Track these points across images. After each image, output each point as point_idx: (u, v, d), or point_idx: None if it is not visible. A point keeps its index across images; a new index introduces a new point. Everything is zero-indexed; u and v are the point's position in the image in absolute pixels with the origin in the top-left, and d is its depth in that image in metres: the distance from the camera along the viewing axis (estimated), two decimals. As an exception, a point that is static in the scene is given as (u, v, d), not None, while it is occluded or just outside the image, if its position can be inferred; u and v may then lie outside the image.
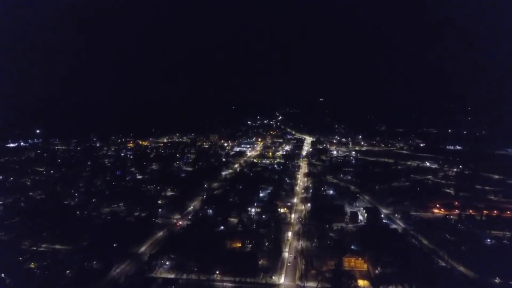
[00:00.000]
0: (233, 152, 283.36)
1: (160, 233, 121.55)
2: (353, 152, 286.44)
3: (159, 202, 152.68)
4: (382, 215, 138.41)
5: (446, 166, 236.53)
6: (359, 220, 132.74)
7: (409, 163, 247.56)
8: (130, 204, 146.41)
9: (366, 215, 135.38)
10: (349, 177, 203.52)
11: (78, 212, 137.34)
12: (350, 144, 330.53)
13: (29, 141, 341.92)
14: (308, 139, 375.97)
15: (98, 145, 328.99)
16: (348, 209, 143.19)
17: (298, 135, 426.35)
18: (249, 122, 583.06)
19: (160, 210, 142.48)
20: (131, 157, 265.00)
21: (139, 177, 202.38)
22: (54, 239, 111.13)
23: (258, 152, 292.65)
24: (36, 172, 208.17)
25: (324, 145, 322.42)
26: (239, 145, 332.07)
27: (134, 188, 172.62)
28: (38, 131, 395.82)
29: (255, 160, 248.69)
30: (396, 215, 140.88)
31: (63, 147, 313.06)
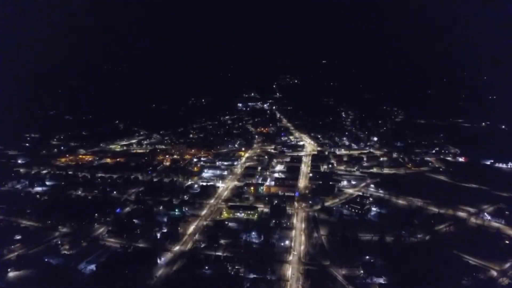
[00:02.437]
0: (196, 188, 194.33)
1: None
2: (372, 185, 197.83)
3: None
4: None
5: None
6: None
7: (461, 213, 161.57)
8: None
9: None
10: (376, 268, 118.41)
11: None
12: (365, 161, 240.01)
13: None
14: (309, 147, 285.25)
15: (20, 162, 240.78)
16: None
17: (297, 134, 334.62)
18: (240, 105, 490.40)
19: None
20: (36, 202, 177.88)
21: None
22: None
23: (236, 182, 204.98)
24: None
25: (330, 164, 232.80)
26: (213, 161, 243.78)
27: None
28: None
29: (223, 214, 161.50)
30: None
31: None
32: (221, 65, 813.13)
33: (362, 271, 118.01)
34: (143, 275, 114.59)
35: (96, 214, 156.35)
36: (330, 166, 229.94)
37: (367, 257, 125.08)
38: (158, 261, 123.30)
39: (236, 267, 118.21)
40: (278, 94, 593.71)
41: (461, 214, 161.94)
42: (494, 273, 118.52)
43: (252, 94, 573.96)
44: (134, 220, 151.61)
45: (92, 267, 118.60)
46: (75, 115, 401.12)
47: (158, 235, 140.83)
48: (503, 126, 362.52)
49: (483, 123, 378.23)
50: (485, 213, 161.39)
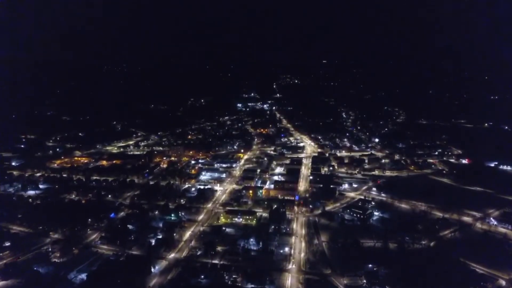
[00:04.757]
0: (193, 191, 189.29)
1: None
2: (374, 189, 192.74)
3: None
4: None
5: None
6: None
7: (466, 218, 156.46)
8: None
9: None
10: (379, 277, 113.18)
11: None
12: (366, 163, 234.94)
13: None
14: (309, 149, 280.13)
15: (14, 164, 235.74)
16: None
17: (297, 135, 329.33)
18: (239, 105, 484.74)
19: None
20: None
21: None
22: None
23: (234, 185, 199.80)
24: None
25: (330, 167, 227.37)
26: (212, 163, 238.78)
27: None
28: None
29: (221, 219, 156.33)
30: None
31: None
32: (221, 65, 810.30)
33: (364, 281, 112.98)
34: (136, 285, 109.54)
35: (89, 219, 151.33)
36: (330, 168, 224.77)
37: (370, 265, 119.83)
38: (152, 269, 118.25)
39: (233, 276, 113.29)
40: (278, 94, 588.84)
41: (466, 218, 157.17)
42: (503, 282, 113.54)
43: (252, 94, 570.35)
44: (128, 226, 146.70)
45: (83, 276, 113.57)
46: (72, 116, 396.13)
47: (153, 241, 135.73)
48: (506, 127, 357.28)
49: (486, 124, 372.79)
50: (491, 218, 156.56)
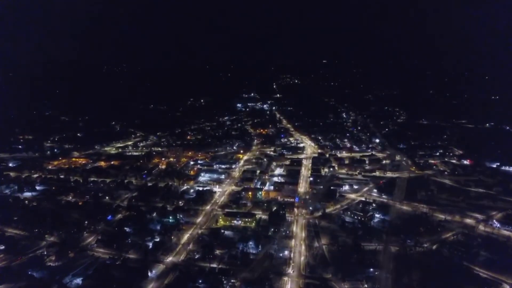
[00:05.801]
0: (192, 192, 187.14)
1: None
2: (375, 190, 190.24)
3: None
4: None
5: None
6: None
7: (468, 220, 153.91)
8: None
9: None
10: (381, 282, 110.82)
11: None
12: (367, 164, 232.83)
13: None
14: (309, 150, 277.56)
15: (11, 165, 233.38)
16: None
17: (297, 135, 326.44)
18: (239, 105, 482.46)
19: None
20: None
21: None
22: None
23: (233, 187, 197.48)
24: None
25: (331, 168, 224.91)
26: (211, 164, 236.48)
27: None
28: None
29: (220, 221, 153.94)
30: None
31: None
32: (220, 64, 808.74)
33: (366, 285, 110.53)
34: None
35: (86, 222, 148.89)
36: (331, 169, 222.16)
37: (371, 269, 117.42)
38: (149, 273, 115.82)
39: (232, 281, 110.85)
40: (278, 94, 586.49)
41: (469, 221, 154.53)
42: (507, 287, 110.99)
43: (252, 94, 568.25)
44: (125, 228, 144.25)
45: (78, 281, 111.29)
46: (71, 116, 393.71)
47: (150, 244, 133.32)
48: (507, 127, 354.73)
49: (487, 124, 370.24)
50: (494, 220, 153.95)
